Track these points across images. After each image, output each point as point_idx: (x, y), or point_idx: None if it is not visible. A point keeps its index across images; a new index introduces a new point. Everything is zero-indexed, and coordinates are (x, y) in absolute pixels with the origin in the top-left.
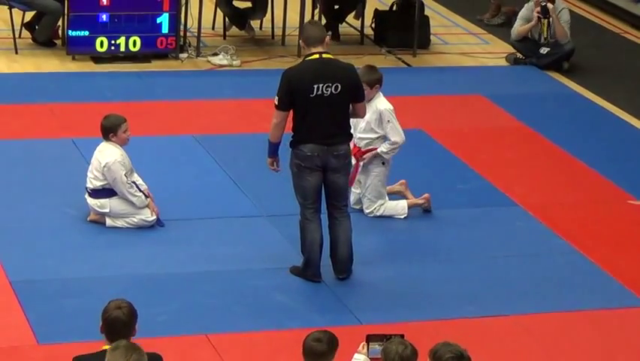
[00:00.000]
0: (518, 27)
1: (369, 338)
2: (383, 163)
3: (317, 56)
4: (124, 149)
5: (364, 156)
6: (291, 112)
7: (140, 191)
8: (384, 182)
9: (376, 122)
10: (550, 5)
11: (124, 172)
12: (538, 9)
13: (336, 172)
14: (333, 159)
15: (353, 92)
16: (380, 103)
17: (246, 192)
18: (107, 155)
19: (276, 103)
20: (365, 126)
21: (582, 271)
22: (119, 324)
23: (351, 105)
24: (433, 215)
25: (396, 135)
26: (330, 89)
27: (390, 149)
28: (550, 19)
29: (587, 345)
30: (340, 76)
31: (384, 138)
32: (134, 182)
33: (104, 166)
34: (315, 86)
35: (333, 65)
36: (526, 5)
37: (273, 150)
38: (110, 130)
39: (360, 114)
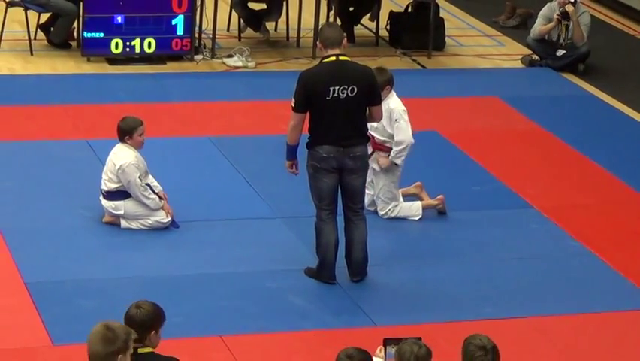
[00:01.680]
0: (539, 26)
1: (386, 342)
2: (396, 164)
3: (334, 58)
4: (138, 151)
5: (380, 161)
6: (308, 113)
7: (155, 193)
8: (397, 183)
9: (388, 121)
10: (570, 8)
11: (138, 175)
12: (559, 13)
13: (352, 174)
14: (349, 161)
15: (369, 95)
16: (392, 102)
17: (261, 193)
18: (122, 157)
19: (293, 105)
20: (378, 126)
21: (597, 272)
22: (131, 323)
23: (367, 109)
24: (448, 217)
25: (402, 134)
26: (346, 92)
27: (397, 151)
28: (570, 22)
29: (602, 347)
30: (356, 78)
31: None
32: (148, 184)
33: (119, 168)
34: (331, 89)
35: (349, 68)
36: (548, 4)
37: (292, 152)
38: (126, 132)
39: (377, 118)
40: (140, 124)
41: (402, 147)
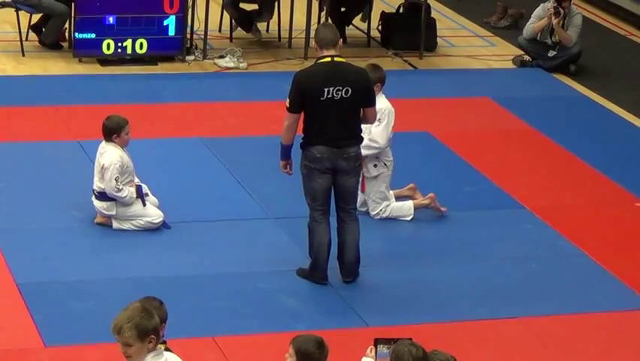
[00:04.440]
0: (532, 25)
1: (377, 342)
2: (385, 164)
3: (329, 59)
4: (125, 149)
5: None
6: (302, 114)
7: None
8: (388, 183)
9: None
10: (555, 20)
11: (115, 176)
12: (552, 9)
13: (345, 175)
14: (342, 162)
15: (364, 97)
16: (380, 102)
17: (253, 194)
18: (107, 157)
19: (288, 105)
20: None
21: (589, 273)
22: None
23: (362, 110)
24: (440, 217)
25: (379, 136)
26: (340, 93)
27: (366, 146)
28: (564, 20)
29: (594, 348)
30: (351, 80)
31: None
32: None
33: (102, 167)
34: (326, 90)
35: (344, 69)
36: (541, 5)
37: (286, 152)
38: (114, 131)
39: (370, 119)
40: (126, 122)
41: (373, 144)
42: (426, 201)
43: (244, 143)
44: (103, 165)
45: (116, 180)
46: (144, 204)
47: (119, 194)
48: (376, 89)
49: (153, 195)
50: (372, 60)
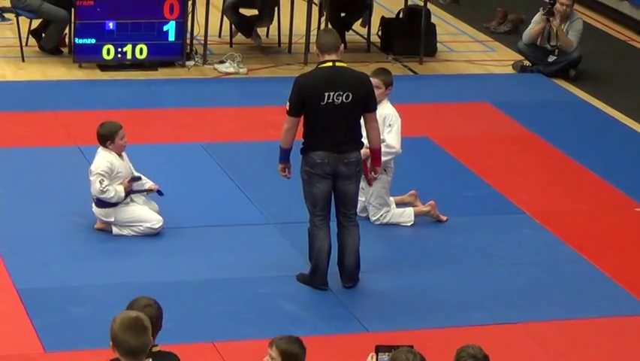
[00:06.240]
0: (530, 30)
1: (378, 349)
2: (385, 170)
3: (330, 64)
4: (123, 154)
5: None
6: (302, 118)
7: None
8: (388, 189)
9: (382, 127)
10: (555, 22)
11: (100, 179)
12: (544, 12)
13: (346, 180)
14: (343, 167)
15: (364, 102)
16: (386, 108)
17: (253, 199)
18: (95, 162)
19: (287, 108)
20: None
21: (589, 278)
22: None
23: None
24: (440, 222)
25: (394, 140)
26: (341, 98)
27: (384, 152)
28: (559, 25)
29: (594, 353)
30: (352, 85)
31: None
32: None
33: (89, 172)
34: (326, 95)
35: (345, 74)
36: (541, 9)
37: (285, 156)
38: (107, 138)
39: (372, 124)
40: (119, 128)
41: (391, 150)
42: (426, 209)
43: (244, 148)
44: (90, 170)
45: (100, 183)
46: (140, 179)
47: (104, 195)
48: (387, 92)
49: (153, 200)
50: (372, 65)
